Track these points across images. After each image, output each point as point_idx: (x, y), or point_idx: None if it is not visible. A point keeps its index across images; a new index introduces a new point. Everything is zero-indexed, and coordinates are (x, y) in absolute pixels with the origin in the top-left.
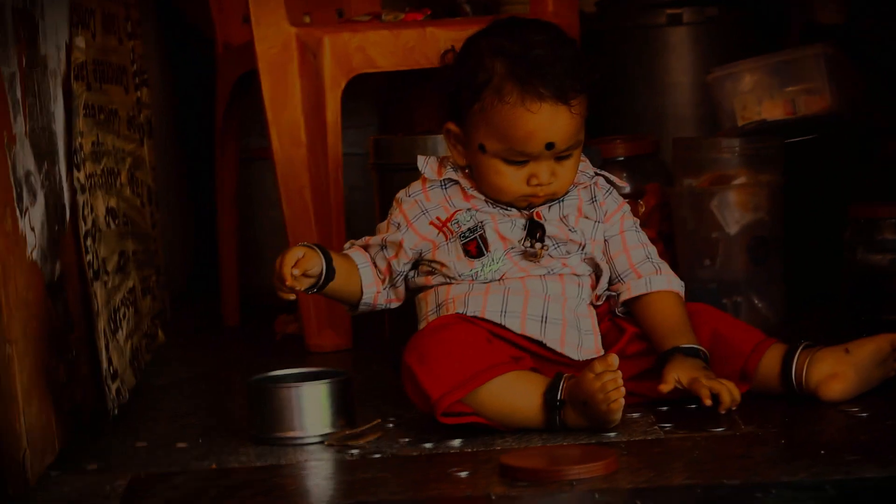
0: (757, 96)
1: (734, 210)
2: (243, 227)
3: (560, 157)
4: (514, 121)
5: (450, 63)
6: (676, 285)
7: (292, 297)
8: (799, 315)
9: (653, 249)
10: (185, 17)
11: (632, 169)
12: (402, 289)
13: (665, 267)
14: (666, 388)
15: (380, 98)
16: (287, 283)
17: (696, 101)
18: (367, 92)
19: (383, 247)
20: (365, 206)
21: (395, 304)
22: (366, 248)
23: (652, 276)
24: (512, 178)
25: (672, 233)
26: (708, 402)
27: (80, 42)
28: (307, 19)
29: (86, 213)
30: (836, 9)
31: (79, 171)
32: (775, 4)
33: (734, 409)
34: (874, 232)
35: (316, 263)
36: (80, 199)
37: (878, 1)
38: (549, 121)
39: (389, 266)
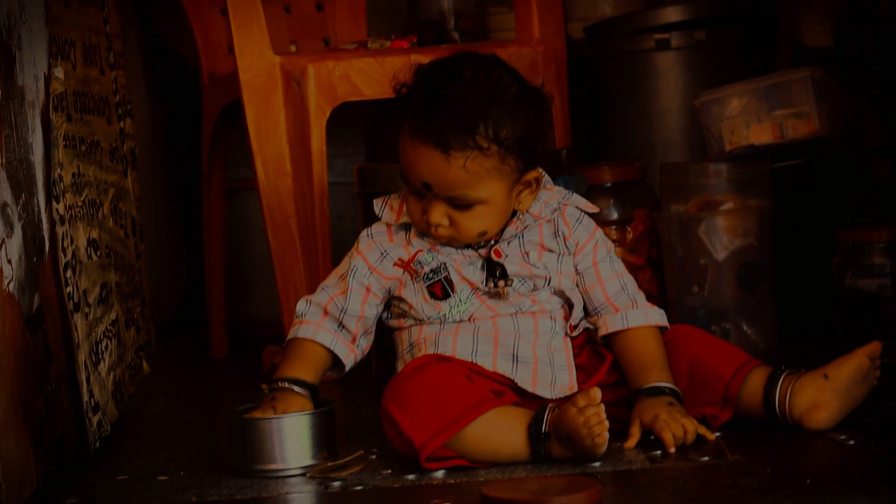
0: (745, 120)
1: (722, 236)
2: (231, 258)
3: (458, 206)
4: (402, 149)
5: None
6: (654, 317)
7: None
8: (790, 341)
9: (629, 279)
10: (170, 48)
11: (619, 195)
12: (372, 332)
13: (641, 298)
14: (629, 444)
15: (368, 127)
16: None
17: (684, 126)
18: (355, 121)
19: (344, 311)
20: (353, 234)
21: (368, 349)
22: (326, 311)
23: (628, 311)
24: (414, 208)
25: (660, 259)
26: (670, 448)
27: (59, 73)
28: (293, 48)
29: (65, 244)
30: (823, 31)
31: (58, 202)
32: (763, 28)
33: (688, 444)
34: (862, 256)
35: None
36: (60, 230)
37: (865, 23)
38: (425, 163)
39: (358, 322)
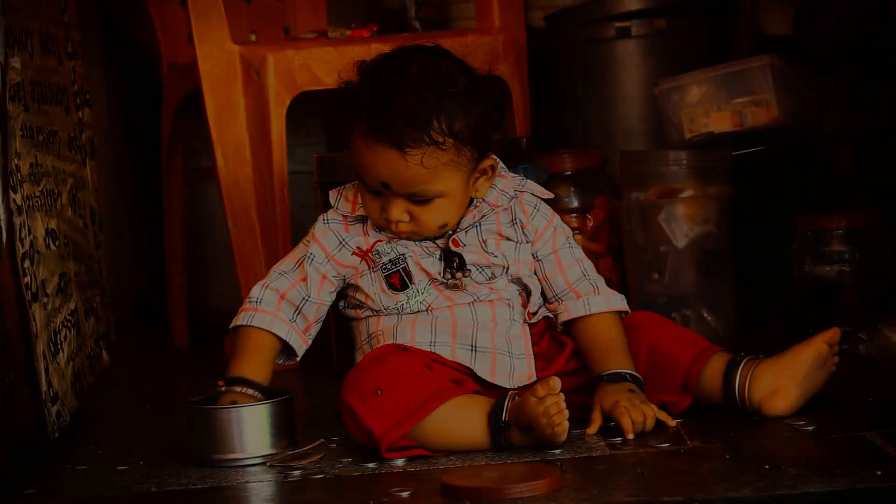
0: (704, 108)
1: (682, 223)
2: (192, 248)
3: (417, 201)
4: (357, 150)
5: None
6: (616, 303)
7: None
8: (749, 328)
9: (589, 265)
10: (130, 38)
11: (579, 183)
12: (322, 321)
13: (602, 284)
14: (591, 430)
15: (328, 116)
16: None
17: (645, 114)
18: (315, 110)
19: (306, 299)
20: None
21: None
22: (284, 297)
23: (590, 297)
24: (371, 206)
25: (621, 247)
26: (629, 435)
27: (16, 63)
28: (253, 37)
29: (23, 234)
30: (783, 19)
31: (15, 192)
32: (724, 16)
33: (647, 431)
34: (821, 244)
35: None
36: (17, 220)
37: (824, 11)
38: (381, 162)
39: (316, 310)
